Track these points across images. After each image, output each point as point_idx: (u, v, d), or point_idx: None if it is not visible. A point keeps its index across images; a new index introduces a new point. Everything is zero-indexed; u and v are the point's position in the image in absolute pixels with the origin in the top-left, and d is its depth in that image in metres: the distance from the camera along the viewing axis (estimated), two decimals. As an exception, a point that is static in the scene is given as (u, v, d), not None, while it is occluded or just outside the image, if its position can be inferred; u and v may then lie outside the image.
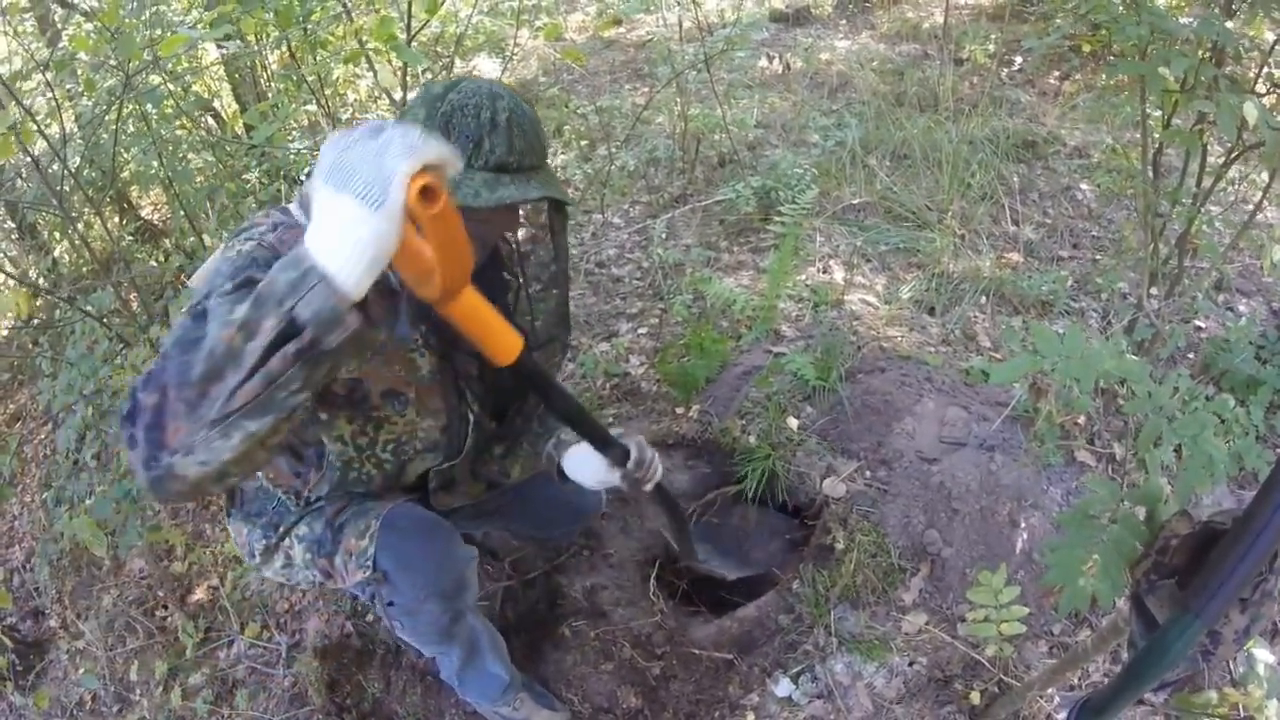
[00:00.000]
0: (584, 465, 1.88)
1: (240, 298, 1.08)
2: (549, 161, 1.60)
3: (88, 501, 2.87)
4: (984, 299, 3.60)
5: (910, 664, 2.33)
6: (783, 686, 2.33)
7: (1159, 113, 2.66)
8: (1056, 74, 5.84)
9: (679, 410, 3.07)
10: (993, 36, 6.07)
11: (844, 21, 7.38)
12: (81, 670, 2.91)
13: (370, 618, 2.62)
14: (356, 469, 1.78)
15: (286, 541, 1.85)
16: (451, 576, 1.87)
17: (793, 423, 2.89)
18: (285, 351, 1.01)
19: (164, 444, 1.05)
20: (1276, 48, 2.55)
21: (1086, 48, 5.65)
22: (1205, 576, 1.05)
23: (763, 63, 6.26)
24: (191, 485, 1.07)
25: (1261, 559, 1.02)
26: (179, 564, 3.05)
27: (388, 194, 0.95)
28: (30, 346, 3.98)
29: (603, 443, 1.76)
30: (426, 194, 0.99)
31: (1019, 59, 6.00)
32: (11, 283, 3.67)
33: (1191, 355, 3.26)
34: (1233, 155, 2.69)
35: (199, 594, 2.95)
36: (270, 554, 1.87)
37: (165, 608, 2.98)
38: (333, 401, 1.64)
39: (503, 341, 1.33)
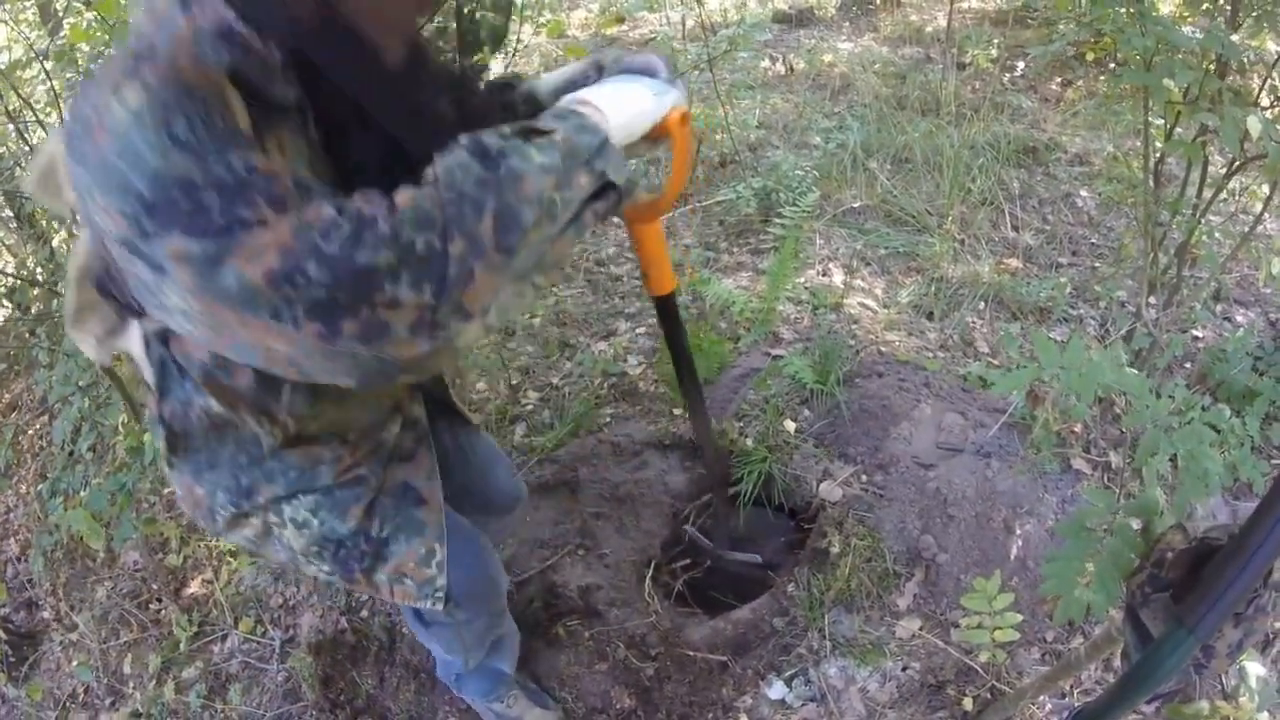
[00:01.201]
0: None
1: (521, 145, 1.00)
2: None
3: (83, 493, 2.87)
4: (983, 304, 3.60)
5: (904, 669, 2.34)
6: (776, 689, 2.33)
7: (1161, 122, 2.66)
8: (1059, 80, 5.84)
9: (676, 411, 3.07)
10: (995, 41, 6.07)
11: (847, 23, 7.38)
12: (75, 662, 2.91)
13: (365, 613, 2.62)
14: None
15: (271, 517, 1.49)
16: (500, 592, 1.89)
17: (790, 426, 2.89)
18: (596, 208, 1.07)
19: (464, 305, 0.95)
20: (1280, 60, 2.56)
21: (1090, 55, 5.65)
22: (1201, 592, 1.05)
23: (765, 63, 6.25)
24: (442, 364, 1.03)
25: (1257, 576, 1.02)
26: (174, 557, 3.04)
27: (666, 103, 1.28)
28: (27, 337, 3.97)
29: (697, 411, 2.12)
30: (684, 116, 1.34)
31: (1021, 64, 6.00)
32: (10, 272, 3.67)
33: (1189, 365, 3.27)
34: (1234, 167, 2.70)
35: (193, 587, 2.95)
36: (238, 523, 1.51)
37: (159, 601, 2.98)
38: None
39: (666, 272, 1.63)
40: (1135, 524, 1.36)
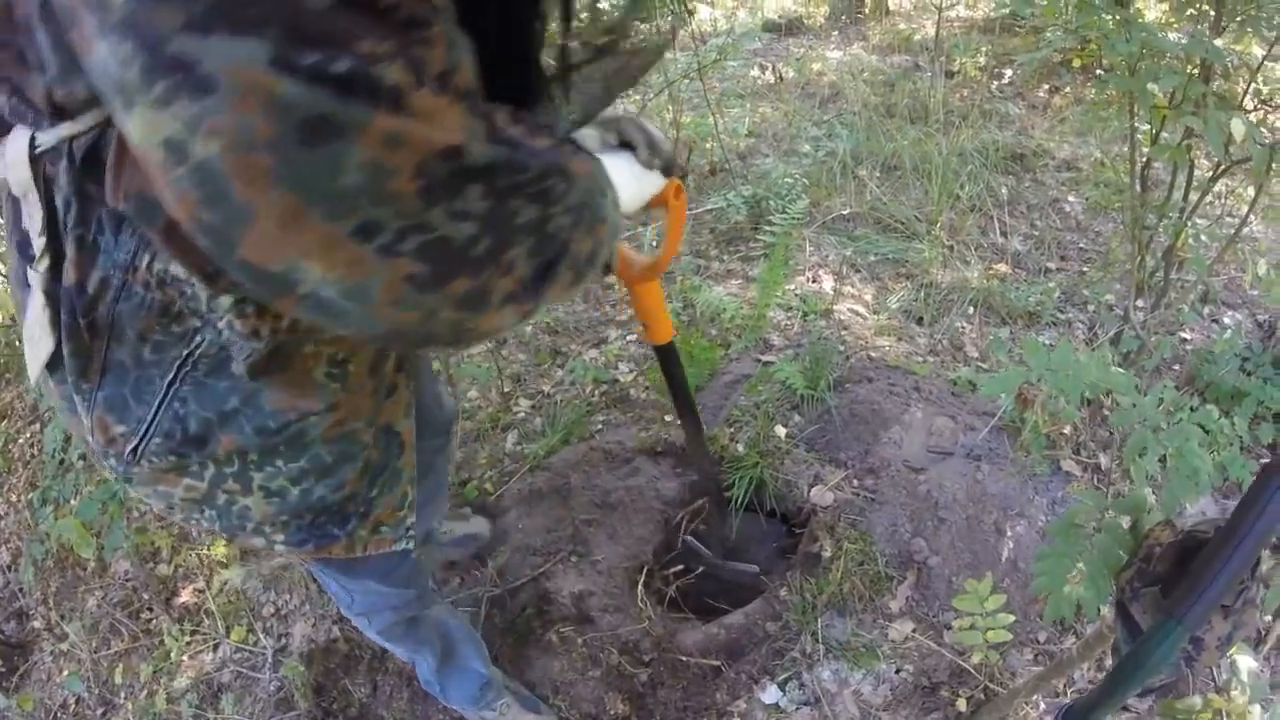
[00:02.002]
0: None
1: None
2: None
3: (74, 502, 2.86)
4: (972, 309, 3.62)
5: (897, 671, 2.34)
6: (770, 693, 2.34)
7: (1147, 127, 2.68)
8: (1046, 87, 5.88)
9: (668, 418, 3.07)
10: (983, 49, 6.11)
11: (836, 32, 7.42)
12: (66, 673, 2.89)
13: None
14: None
15: (228, 480, 1.13)
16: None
17: (781, 431, 2.90)
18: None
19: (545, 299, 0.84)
20: (1264, 64, 2.58)
21: (1077, 62, 5.69)
22: (1188, 584, 1.06)
23: (755, 72, 6.28)
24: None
25: (1243, 567, 1.03)
26: (165, 566, 3.03)
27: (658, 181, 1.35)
28: (17, 344, 3.96)
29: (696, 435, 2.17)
30: (677, 189, 1.45)
31: (1009, 72, 6.04)
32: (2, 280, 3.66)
33: (1177, 367, 3.28)
34: (1220, 170, 2.72)
35: (185, 596, 2.93)
36: (167, 476, 1.12)
37: (150, 610, 2.97)
38: None
39: (664, 325, 1.75)
40: (1124, 522, 1.37)
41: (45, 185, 0.92)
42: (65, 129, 0.86)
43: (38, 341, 1.03)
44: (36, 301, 1.01)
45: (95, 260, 0.94)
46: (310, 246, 0.66)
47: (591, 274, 0.90)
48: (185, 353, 1.00)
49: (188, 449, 1.07)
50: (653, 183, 1.37)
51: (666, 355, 1.83)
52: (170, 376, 1.01)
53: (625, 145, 1.34)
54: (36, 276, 0.98)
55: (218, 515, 1.19)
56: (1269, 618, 2.47)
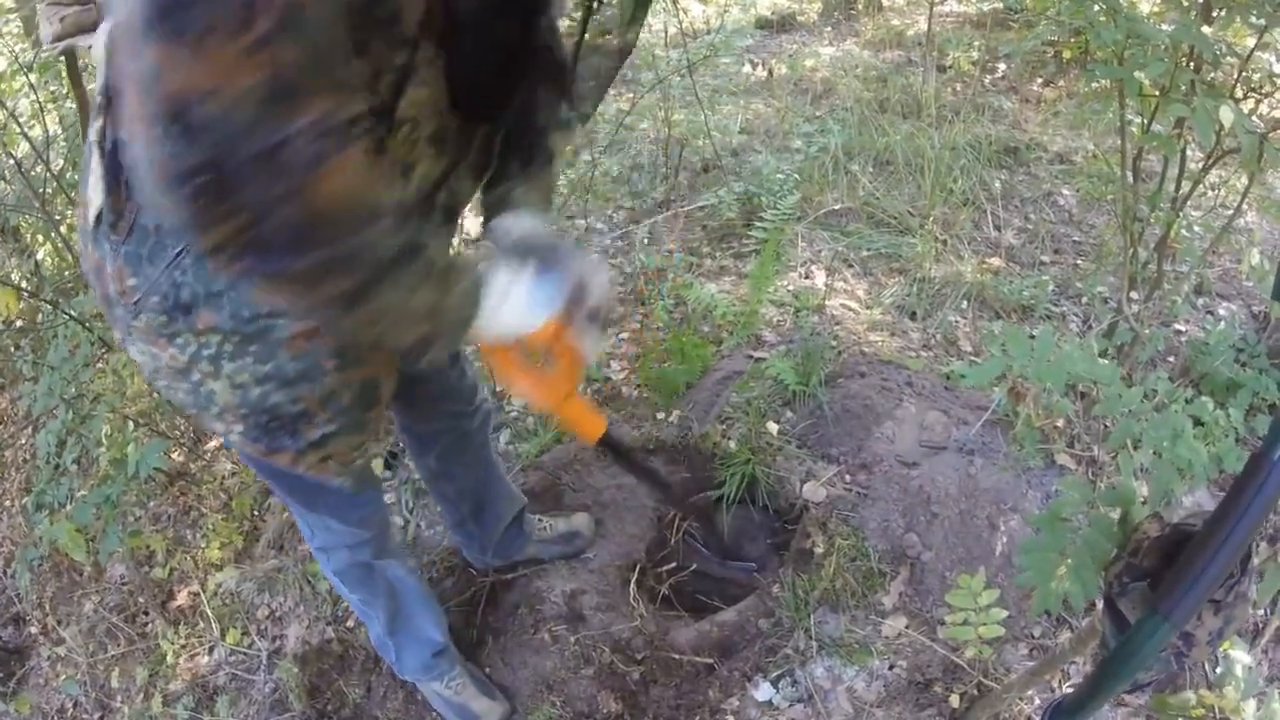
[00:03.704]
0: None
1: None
2: None
3: (68, 507, 2.86)
4: (965, 304, 3.61)
5: (890, 667, 2.34)
6: (763, 690, 2.33)
7: (1139, 119, 2.67)
8: (1039, 80, 5.87)
9: (660, 415, 3.07)
10: (976, 44, 6.10)
11: (829, 29, 7.40)
12: (62, 677, 2.89)
13: (350, 623, 2.61)
14: None
15: (202, 361, 1.32)
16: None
17: (773, 427, 2.89)
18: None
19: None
20: (1255, 54, 2.57)
21: (1067, 54, 5.68)
22: (1174, 578, 1.05)
23: (747, 69, 6.27)
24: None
25: (1230, 561, 1.02)
26: (160, 570, 3.03)
27: (539, 320, 1.32)
28: (12, 350, 3.96)
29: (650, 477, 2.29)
30: (559, 332, 1.37)
31: (1002, 66, 6.03)
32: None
33: (1172, 359, 3.28)
34: (1211, 160, 2.71)
35: (180, 600, 2.93)
36: (157, 339, 1.31)
37: (146, 614, 2.97)
38: None
39: (589, 428, 1.70)
40: (1113, 514, 1.36)
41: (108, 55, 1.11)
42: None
43: (91, 201, 1.24)
44: (94, 159, 1.22)
45: None
46: None
47: (423, 340, 1.14)
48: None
49: (176, 313, 1.25)
50: (528, 320, 1.33)
51: (607, 446, 1.82)
52: (179, 248, 1.20)
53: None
54: (94, 131, 1.20)
55: (190, 390, 1.36)
56: (1264, 611, 2.48)
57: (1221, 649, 1.56)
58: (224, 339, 1.28)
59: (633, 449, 1.99)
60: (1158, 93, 2.24)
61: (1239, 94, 2.67)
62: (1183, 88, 2.11)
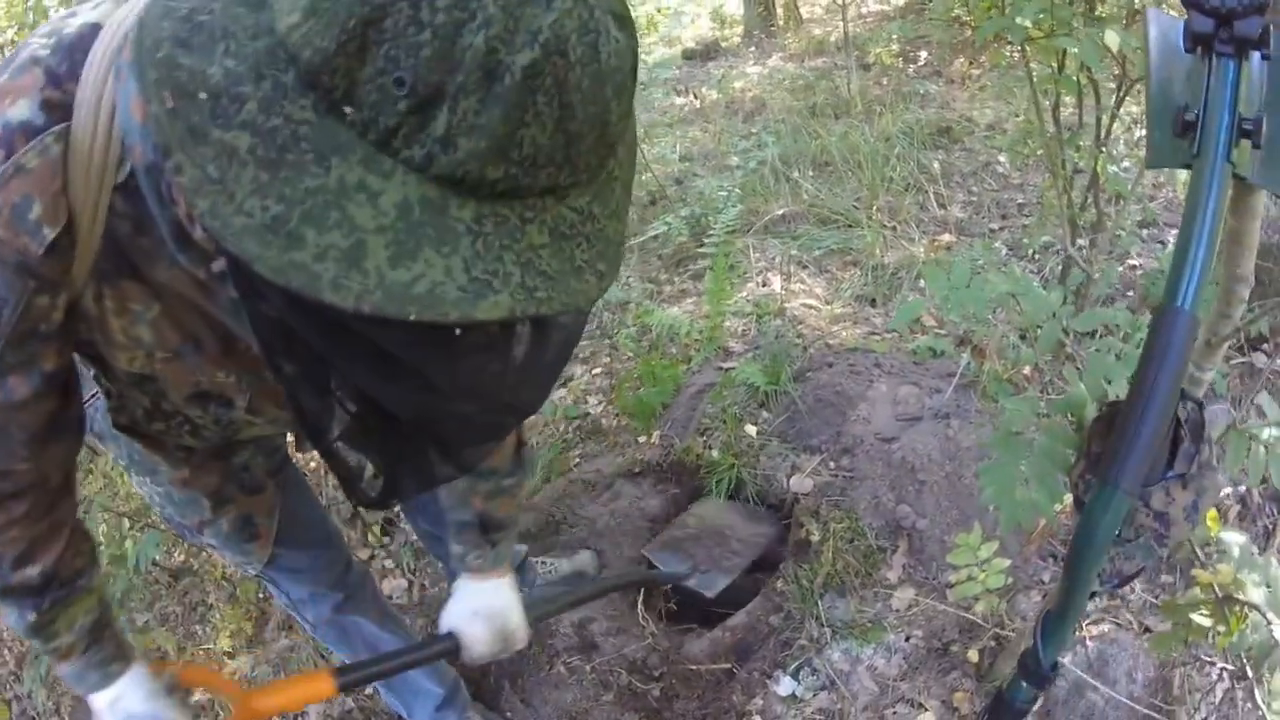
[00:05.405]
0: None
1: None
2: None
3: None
4: (922, 283, 3.65)
5: (906, 639, 2.33)
6: (785, 685, 2.32)
7: (1049, 71, 2.72)
8: (961, 60, 5.98)
9: (641, 439, 3.09)
10: (895, 37, 6.22)
11: (753, 49, 7.55)
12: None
13: (370, 690, 2.59)
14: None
15: (124, 466, 1.55)
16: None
17: (751, 429, 2.91)
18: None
19: None
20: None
21: (968, 32, 5.79)
22: (1113, 444, 1.05)
23: (679, 100, 6.38)
24: None
25: (1162, 413, 1.01)
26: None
27: None
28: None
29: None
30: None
31: (924, 54, 6.15)
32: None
33: (1131, 293, 3.32)
34: (1123, 91, 2.76)
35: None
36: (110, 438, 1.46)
37: (165, 716, 2.93)
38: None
39: (316, 694, 1.56)
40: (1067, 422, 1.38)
41: None
42: None
43: None
44: None
45: None
46: None
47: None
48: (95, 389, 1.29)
49: (97, 439, 1.47)
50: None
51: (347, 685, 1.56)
52: (94, 390, 1.30)
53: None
54: None
55: (138, 484, 1.57)
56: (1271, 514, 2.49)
57: (1211, 533, 1.54)
58: (129, 463, 1.48)
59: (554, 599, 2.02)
60: (1043, 35, 2.28)
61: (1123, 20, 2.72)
62: (1064, 22, 2.16)
